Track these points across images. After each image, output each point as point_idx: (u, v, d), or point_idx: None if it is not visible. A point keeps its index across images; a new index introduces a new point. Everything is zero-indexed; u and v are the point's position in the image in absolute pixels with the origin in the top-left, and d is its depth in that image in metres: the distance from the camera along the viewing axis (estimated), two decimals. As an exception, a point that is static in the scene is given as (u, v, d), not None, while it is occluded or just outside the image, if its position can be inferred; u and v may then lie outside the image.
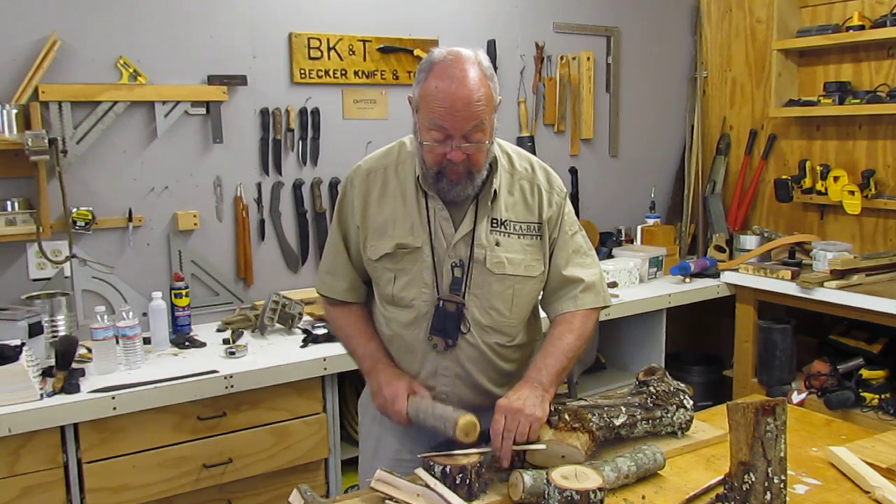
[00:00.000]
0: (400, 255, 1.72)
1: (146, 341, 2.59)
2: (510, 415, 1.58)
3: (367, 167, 1.80)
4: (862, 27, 3.36)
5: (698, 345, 4.04)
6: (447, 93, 1.57)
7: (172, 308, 2.76)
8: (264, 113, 3.03)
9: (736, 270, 3.44)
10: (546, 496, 1.40)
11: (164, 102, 2.81)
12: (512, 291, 1.75)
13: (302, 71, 3.07)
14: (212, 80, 2.89)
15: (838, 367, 3.12)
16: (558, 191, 1.82)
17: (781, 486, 1.36)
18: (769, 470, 1.35)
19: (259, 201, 3.06)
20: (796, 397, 3.13)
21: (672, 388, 1.77)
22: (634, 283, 3.46)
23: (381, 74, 3.25)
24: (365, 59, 3.20)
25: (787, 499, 1.39)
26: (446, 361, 1.74)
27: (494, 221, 1.74)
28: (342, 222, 1.82)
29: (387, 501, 1.45)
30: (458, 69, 1.58)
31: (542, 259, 1.79)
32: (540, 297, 1.86)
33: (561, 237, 1.81)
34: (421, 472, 1.50)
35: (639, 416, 1.71)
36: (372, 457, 1.87)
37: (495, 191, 1.73)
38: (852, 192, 3.40)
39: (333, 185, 3.14)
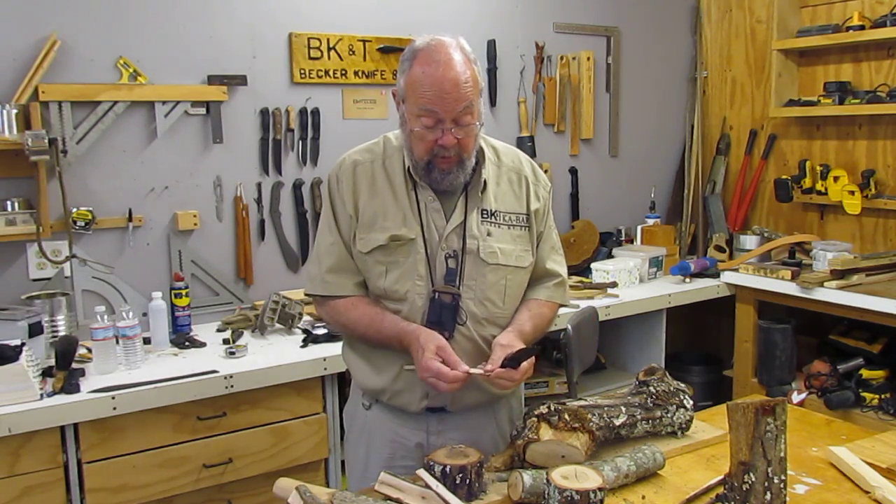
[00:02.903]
0: (393, 248, 1.70)
1: (146, 341, 2.59)
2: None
3: (353, 160, 1.78)
4: (862, 27, 3.37)
5: (698, 345, 4.04)
6: (434, 77, 1.58)
7: (172, 308, 2.76)
8: (264, 113, 3.04)
9: (736, 270, 3.44)
10: (546, 496, 1.40)
11: (164, 102, 2.81)
12: (505, 282, 1.75)
13: (302, 71, 3.07)
14: (212, 80, 2.89)
15: (838, 367, 3.12)
16: (544, 184, 1.86)
17: (781, 486, 1.36)
18: (769, 470, 1.35)
19: (259, 201, 3.06)
20: (796, 397, 3.13)
21: (672, 388, 1.77)
22: (634, 283, 3.46)
23: (381, 74, 3.25)
24: (365, 59, 3.20)
25: (787, 499, 1.39)
26: None
27: (484, 212, 1.74)
28: (335, 217, 1.77)
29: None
30: (443, 53, 1.60)
31: (531, 250, 1.80)
32: None
33: (546, 231, 1.86)
34: (421, 472, 1.50)
35: (639, 416, 1.71)
36: (362, 468, 1.85)
37: (485, 181, 1.74)
38: (852, 192, 3.40)
39: (333, 185, 3.14)
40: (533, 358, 1.63)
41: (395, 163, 1.75)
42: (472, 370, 1.62)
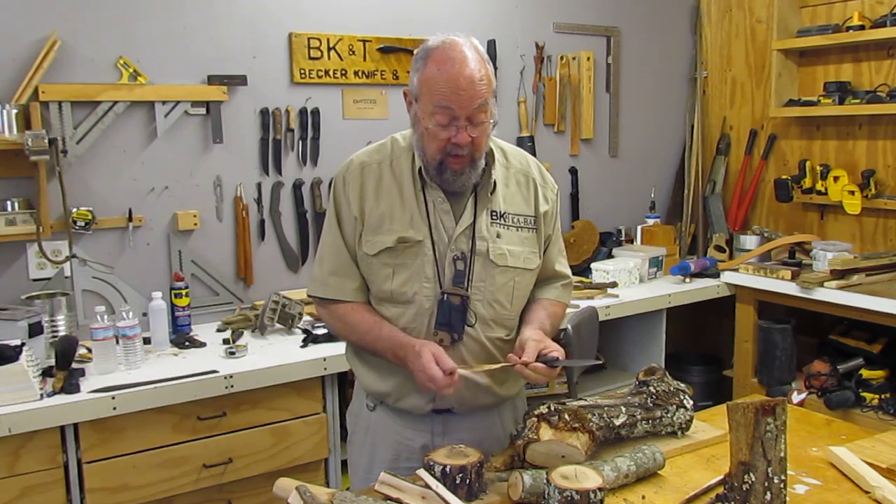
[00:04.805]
0: (401, 250, 1.70)
1: (146, 341, 2.58)
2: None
3: (361, 161, 1.77)
4: (862, 27, 3.37)
5: (698, 345, 4.04)
6: (450, 74, 1.58)
7: (172, 308, 2.76)
8: (264, 113, 3.04)
9: (736, 270, 3.44)
10: (546, 496, 1.40)
11: (164, 102, 2.81)
12: (513, 284, 1.76)
13: (302, 71, 3.07)
14: (212, 80, 2.89)
15: (838, 367, 3.12)
16: (551, 187, 1.88)
17: (781, 486, 1.36)
18: (769, 470, 1.35)
19: (259, 201, 3.06)
20: (796, 397, 3.13)
21: (672, 388, 1.77)
22: (634, 283, 3.46)
23: (381, 74, 3.25)
24: (365, 59, 3.20)
25: (787, 499, 1.39)
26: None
27: (494, 214, 1.75)
28: (339, 219, 1.77)
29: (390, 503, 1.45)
30: (458, 52, 1.61)
31: (538, 252, 1.81)
32: None
33: (555, 233, 1.89)
34: (421, 472, 1.50)
35: (639, 416, 1.71)
36: (366, 470, 1.84)
37: (495, 182, 1.74)
38: (852, 192, 3.40)
39: (333, 185, 3.14)
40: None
41: (403, 163, 1.75)
42: (472, 370, 1.65)
